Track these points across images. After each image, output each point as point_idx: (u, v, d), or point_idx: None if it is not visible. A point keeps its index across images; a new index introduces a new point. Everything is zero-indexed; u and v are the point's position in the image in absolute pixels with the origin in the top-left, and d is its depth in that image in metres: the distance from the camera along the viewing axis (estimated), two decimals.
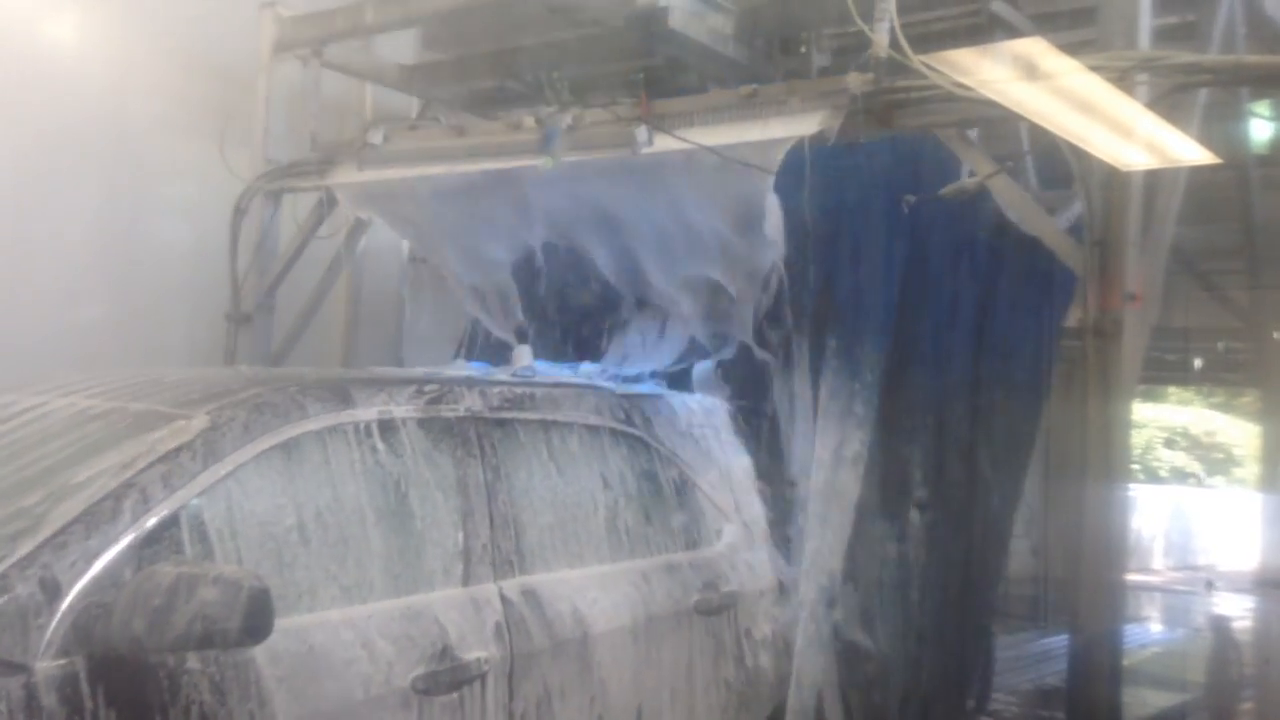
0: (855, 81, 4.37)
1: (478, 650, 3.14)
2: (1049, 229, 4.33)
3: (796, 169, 4.39)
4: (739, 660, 4.05)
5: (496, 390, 3.63)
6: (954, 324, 4.95)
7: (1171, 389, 20.30)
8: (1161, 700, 7.07)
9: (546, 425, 3.70)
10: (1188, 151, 4.01)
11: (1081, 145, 3.99)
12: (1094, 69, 3.73)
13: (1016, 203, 4.36)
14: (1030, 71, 3.64)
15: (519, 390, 3.70)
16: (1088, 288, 4.09)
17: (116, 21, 6.40)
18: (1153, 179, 4.36)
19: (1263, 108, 6.49)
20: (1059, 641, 4.78)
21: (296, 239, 6.60)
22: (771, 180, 4.32)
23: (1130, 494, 5.14)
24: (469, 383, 3.61)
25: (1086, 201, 4.09)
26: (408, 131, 5.78)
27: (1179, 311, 6.71)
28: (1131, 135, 3.89)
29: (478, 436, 3.42)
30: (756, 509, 4.43)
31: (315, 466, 3.02)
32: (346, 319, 7.72)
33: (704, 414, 4.48)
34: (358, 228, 6.78)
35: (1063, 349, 5.06)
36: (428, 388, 3.42)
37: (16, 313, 5.77)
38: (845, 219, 4.64)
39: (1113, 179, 4.07)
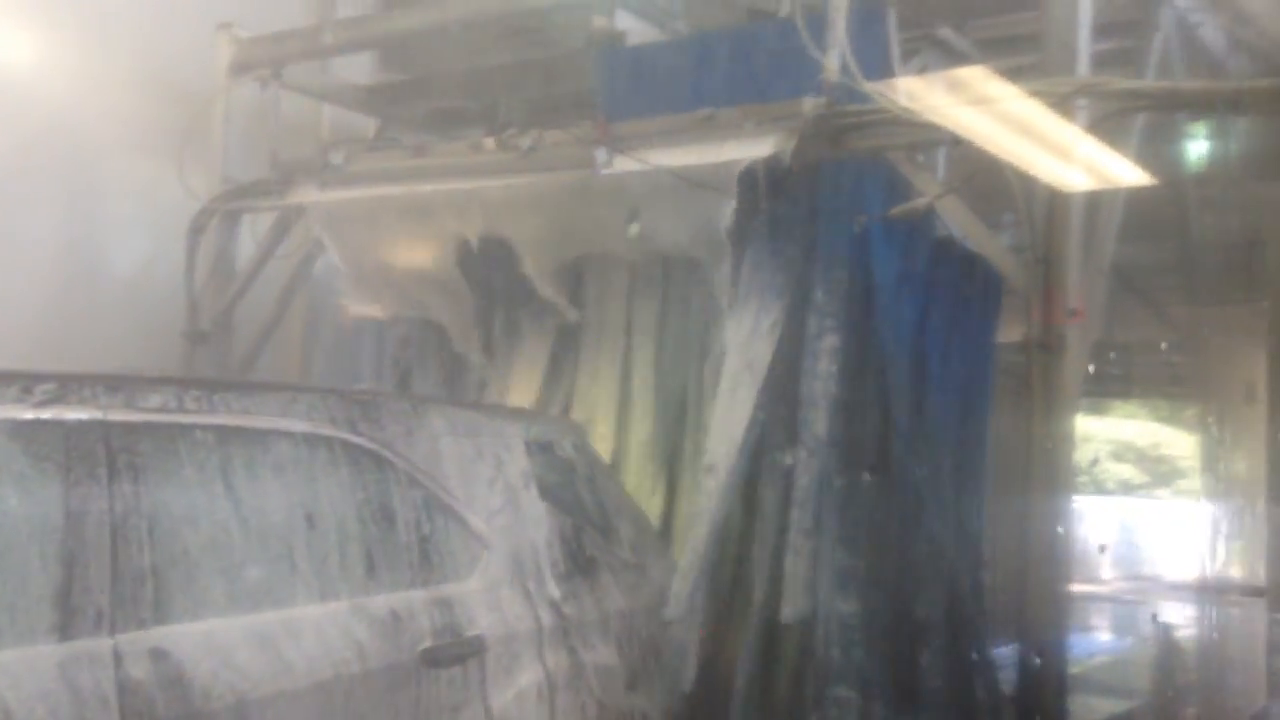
0: (808, 105, 4.50)
1: None
2: (995, 247, 4.48)
3: (751, 188, 4.52)
4: (487, 716, 3.42)
5: (154, 390, 2.93)
6: (898, 338, 5.07)
7: (1117, 403, 20.68)
8: (1108, 707, 7.23)
9: (226, 433, 3.02)
10: (1126, 173, 4.18)
11: (1024, 167, 4.14)
12: (1035, 94, 3.89)
13: (964, 222, 4.50)
14: (974, 97, 3.80)
15: (189, 391, 3.01)
16: (1031, 304, 4.23)
17: (75, 41, 6.41)
18: (1093, 199, 4.53)
19: (1199, 130, 6.72)
20: (1004, 651, 4.88)
21: (255, 258, 6.62)
22: (729, 201, 4.43)
23: (1075, 505, 5.30)
24: (115, 381, 2.90)
25: (1029, 221, 4.24)
26: (369, 152, 5.84)
27: (1122, 327, 6.91)
28: (1071, 158, 4.06)
29: (106, 448, 2.74)
30: (541, 533, 3.81)
31: None
32: (303, 338, 7.74)
33: (484, 425, 3.87)
34: (316, 247, 6.81)
35: (1004, 364, 5.20)
36: (41, 386, 2.71)
37: None
38: (799, 237, 4.75)
39: (1054, 199, 4.23)
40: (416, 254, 5.49)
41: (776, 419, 4.78)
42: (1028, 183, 4.25)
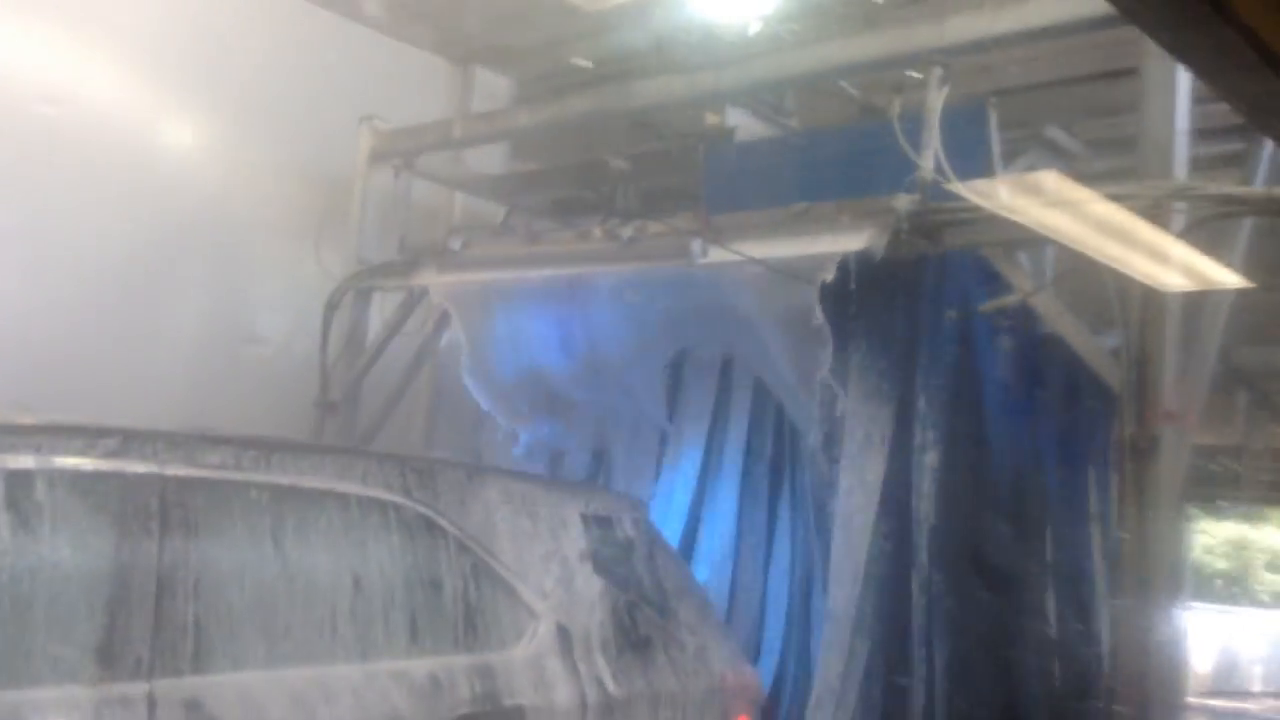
0: (902, 201, 4.59)
1: None
2: (1091, 347, 4.45)
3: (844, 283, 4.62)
4: None
5: (213, 448, 3.05)
6: (1006, 444, 5.04)
7: (1272, 510, 19.66)
8: None
9: (280, 492, 3.11)
10: (1223, 276, 4.12)
11: (1118, 268, 4.13)
12: (1125, 197, 3.90)
13: (1061, 321, 4.49)
14: (1061, 199, 3.83)
15: (247, 451, 3.12)
16: (1124, 407, 4.18)
17: (228, 128, 6.97)
18: (1195, 300, 4.46)
19: None
20: None
21: (383, 334, 6.99)
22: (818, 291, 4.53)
23: (1187, 613, 5.11)
24: (176, 438, 3.02)
25: (1124, 323, 4.21)
26: (486, 238, 6.14)
27: (1239, 430, 6.67)
28: (1167, 260, 4.03)
29: (161, 502, 2.86)
30: (594, 608, 3.82)
31: None
32: (428, 409, 8.06)
33: (541, 497, 3.91)
34: (441, 323, 7.15)
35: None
36: (105, 440, 2.84)
37: (122, 390, 6.21)
38: (901, 338, 4.82)
39: (1149, 301, 4.19)
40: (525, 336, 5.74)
41: (904, 542, 4.78)
42: (1123, 283, 4.23)
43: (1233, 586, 23.09)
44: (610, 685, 3.71)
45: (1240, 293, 4.67)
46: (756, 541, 5.34)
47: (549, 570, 3.73)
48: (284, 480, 3.14)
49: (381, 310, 7.06)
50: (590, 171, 6.70)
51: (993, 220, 4.34)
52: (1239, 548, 23.31)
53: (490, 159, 7.91)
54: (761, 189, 5.30)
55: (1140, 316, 4.20)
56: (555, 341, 5.59)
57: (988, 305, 4.40)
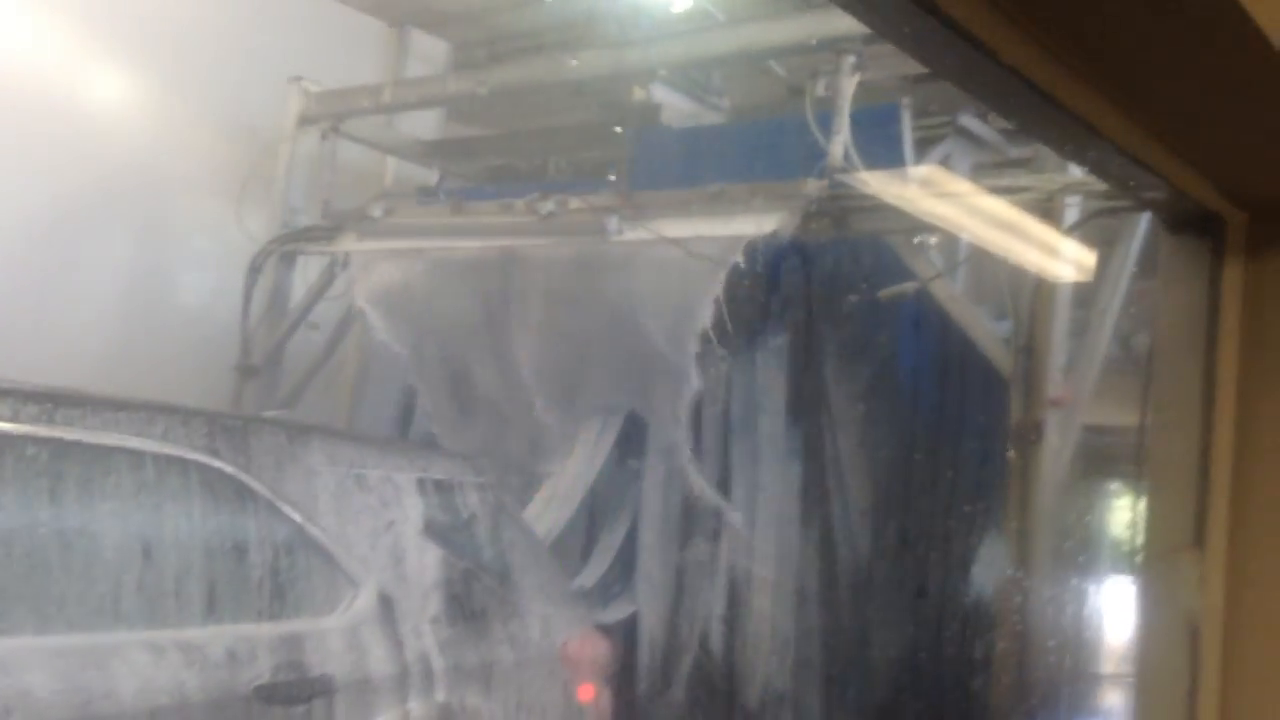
0: (811, 186, 4.69)
1: None
2: (985, 335, 4.59)
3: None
4: None
5: None
6: (913, 412, 5.21)
7: None
8: None
9: (63, 448, 2.94)
10: (1114, 268, 4.28)
11: (1012, 260, 4.28)
12: (1021, 190, 4.03)
13: (955, 307, 4.63)
14: (958, 193, 3.95)
15: (28, 403, 2.94)
16: (1014, 393, 4.34)
17: (155, 84, 6.88)
18: (1087, 293, 4.62)
19: None
20: None
21: (306, 298, 6.98)
22: (722, 273, 4.63)
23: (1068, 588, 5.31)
24: None
25: (1014, 312, 4.36)
26: (410, 206, 6.16)
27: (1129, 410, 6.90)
28: (1057, 253, 4.17)
29: None
30: (423, 576, 3.70)
31: None
32: (354, 376, 8.07)
33: (373, 460, 3.78)
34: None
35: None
36: None
37: (37, 348, 6.16)
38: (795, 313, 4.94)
39: (1040, 291, 4.34)
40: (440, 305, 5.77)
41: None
42: (1015, 274, 4.37)
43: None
44: (436, 656, 3.61)
45: (1137, 283, 4.84)
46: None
47: (375, 537, 3.61)
48: (68, 435, 2.96)
49: (305, 274, 7.05)
50: (522, 141, 6.72)
51: (897, 209, 4.47)
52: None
53: (425, 124, 7.90)
54: (685, 173, 5.37)
55: (1030, 306, 4.34)
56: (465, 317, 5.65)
57: (887, 291, 4.52)
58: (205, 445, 3.25)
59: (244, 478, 3.31)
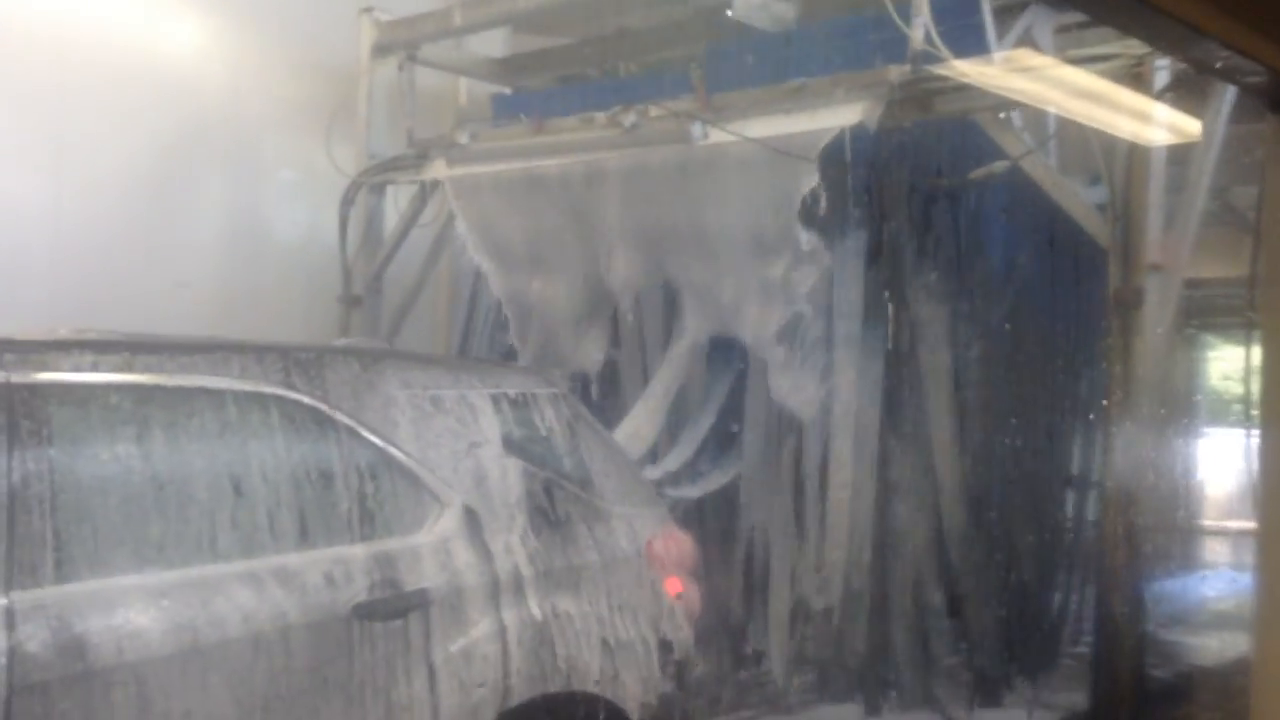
0: (894, 73, 4.70)
1: None
2: (1078, 206, 4.61)
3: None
4: (432, 672, 3.39)
5: (64, 352, 3.00)
6: (1004, 295, 5.26)
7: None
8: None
9: (145, 393, 3.06)
10: (1202, 129, 4.26)
11: (1102, 129, 4.27)
12: (1107, 58, 4.02)
13: (1048, 181, 4.64)
14: (1044, 68, 3.96)
15: (106, 352, 3.06)
16: (1112, 260, 4.38)
17: (231, 28, 7.04)
18: (1181, 153, 4.60)
19: None
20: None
21: (399, 227, 7.18)
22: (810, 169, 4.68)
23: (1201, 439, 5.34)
24: (22, 344, 2.99)
25: (1109, 180, 4.37)
26: (492, 129, 6.28)
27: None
28: (1147, 119, 4.16)
29: (8, 412, 2.81)
30: (506, 489, 3.74)
31: None
32: (448, 298, 8.31)
33: (446, 380, 3.84)
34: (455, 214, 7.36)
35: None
36: None
37: (149, 295, 6.46)
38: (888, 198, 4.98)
39: (1133, 157, 4.34)
40: (535, 225, 5.92)
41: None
42: (1107, 143, 4.37)
43: (1251, 410, 23.37)
44: (525, 565, 3.68)
45: (1232, 136, 4.80)
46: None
47: (456, 455, 3.66)
48: (148, 380, 3.08)
49: (396, 203, 7.24)
50: (592, 47, 6.77)
51: (982, 89, 4.47)
52: (1256, 372, 23.45)
53: (492, 42, 7.96)
54: (762, 75, 5.38)
55: (1124, 173, 4.35)
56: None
57: (978, 171, 4.55)
58: (281, 379, 3.33)
59: (322, 407, 3.38)
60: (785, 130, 4.93)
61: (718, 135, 5.00)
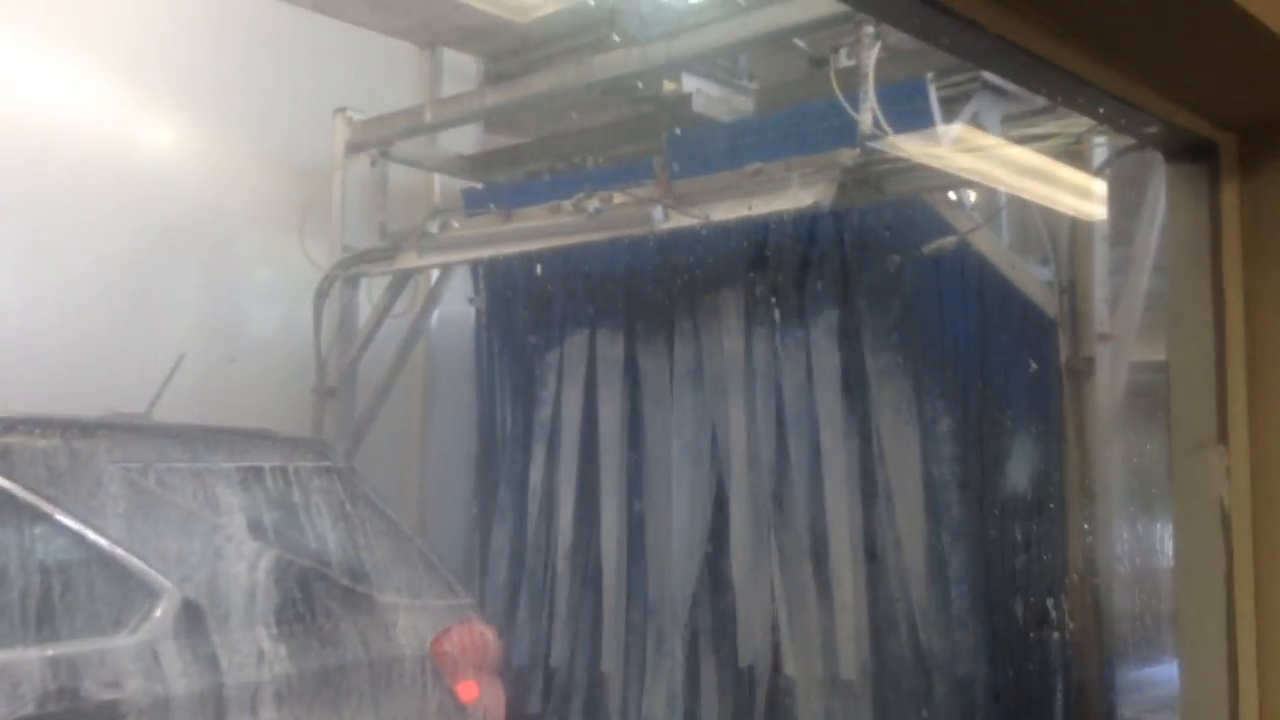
0: (846, 156, 4.87)
1: None
2: (1027, 279, 4.74)
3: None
4: None
5: None
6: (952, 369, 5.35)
7: None
8: None
9: None
10: (1146, 204, 4.41)
11: (1046, 205, 4.42)
12: (1047, 136, 4.19)
13: (998, 256, 4.78)
14: (987, 146, 4.12)
15: None
16: (1061, 333, 4.49)
17: (207, 129, 7.21)
18: (1125, 228, 4.75)
19: None
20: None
21: (373, 318, 7.29)
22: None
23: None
24: None
25: (1054, 254, 4.50)
26: (463, 218, 6.43)
27: None
28: (1089, 194, 4.32)
29: None
30: (248, 579, 3.30)
31: None
32: (423, 387, 8.38)
33: (180, 454, 3.42)
34: (430, 302, 7.48)
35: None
36: None
37: (125, 387, 6.48)
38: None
39: (1077, 232, 4.48)
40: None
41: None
42: (1051, 219, 4.52)
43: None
44: (262, 668, 3.24)
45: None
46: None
47: (181, 540, 3.25)
48: None
49: (370, 294, 7.36)
50: (559, 143, 6.96)
51: (931, 168, 4.62)
52: None
53: (465, 138, 8.17)
54: (720, 162, 5.55)
55: (1069, 247, 4.49)
56: None
57: (930, 247, 4.68)
58: None
59: (8, 486, 3.01)
60: (742, 213, 5.08)
61: (679, 219, 5.15)
